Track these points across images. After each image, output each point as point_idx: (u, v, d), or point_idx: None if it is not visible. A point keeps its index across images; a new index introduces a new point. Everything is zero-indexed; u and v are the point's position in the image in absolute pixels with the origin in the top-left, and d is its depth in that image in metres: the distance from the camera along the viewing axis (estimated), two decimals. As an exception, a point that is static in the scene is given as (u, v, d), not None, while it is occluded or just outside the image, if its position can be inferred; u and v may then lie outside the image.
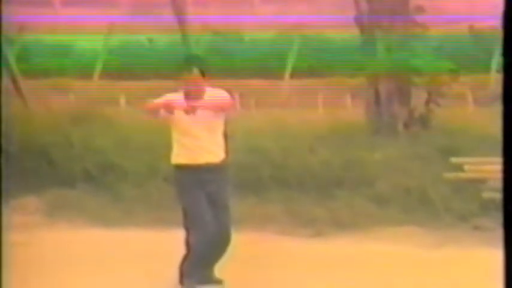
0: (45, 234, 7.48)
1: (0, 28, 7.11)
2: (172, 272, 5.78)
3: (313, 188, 8.06)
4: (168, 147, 5.76)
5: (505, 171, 2.77)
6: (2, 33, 7.24)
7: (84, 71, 12.17)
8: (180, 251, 5.75)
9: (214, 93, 5.60)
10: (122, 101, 11.13)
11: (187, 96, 5.55)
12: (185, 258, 5.71)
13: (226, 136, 5.70)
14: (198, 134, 5.54)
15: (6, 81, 9.20)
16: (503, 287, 2.74)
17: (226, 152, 5.67)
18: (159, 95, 5.84)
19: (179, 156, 5.60)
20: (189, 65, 5.56)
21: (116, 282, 6.15)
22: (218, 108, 5.55)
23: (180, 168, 5.59)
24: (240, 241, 5.79)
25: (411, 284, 6.02)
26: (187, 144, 5.56)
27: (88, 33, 12.44)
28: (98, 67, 12.40)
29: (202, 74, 5.56)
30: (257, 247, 6.79)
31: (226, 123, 5.68)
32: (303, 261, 6.62)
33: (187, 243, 5.69)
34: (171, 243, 6.16)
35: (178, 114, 5.53)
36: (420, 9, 9.42)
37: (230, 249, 5.71)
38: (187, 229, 5.68)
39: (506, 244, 2.72)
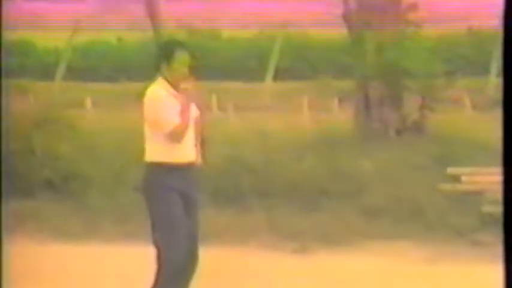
0: (1, 249, 7.41)
1: (0, 27, 7.07)
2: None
3: (298, 199, 8.09)
4: (137, 154, 5.72)
5: (505, 181, 2.79)
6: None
7: (46, 71, 12.14)
8: (151, 268, 5.72)
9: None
10: (88, 103, 11.10)
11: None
12: (155, 280, 5.66)
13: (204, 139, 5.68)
14: (189, 131, 5.52)
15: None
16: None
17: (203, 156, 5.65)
18: (127, 98, 5.79)
19: (167, 154, 5.48)
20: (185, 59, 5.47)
21: (80, 302, 6.11)
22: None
23: (163, 167, 5.48)
24: (218, 256, 5.78)
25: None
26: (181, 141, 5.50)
27: (51, 30, 12.41)
28: (61, 67, 12.37)
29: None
30: (237, 262, 6.79)
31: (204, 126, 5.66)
32: (286, 278, 6.63)
33: (158, 259, 5.64)
34: (140, 259, 6.12)
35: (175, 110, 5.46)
36: (414, 7, 9.47)
37: (207, 265, 5.68)
38: (156, 243, 5.62)
39: (506, 257, 2.73)
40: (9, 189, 8.44)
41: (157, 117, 5.41)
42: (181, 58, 5.46)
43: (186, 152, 5.48)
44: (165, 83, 5.49)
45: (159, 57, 5.50)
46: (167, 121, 5.40)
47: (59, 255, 7.28)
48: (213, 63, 12.07)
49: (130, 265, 6.69)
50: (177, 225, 5.40)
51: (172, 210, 5.41)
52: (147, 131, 5.53)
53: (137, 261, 6.48)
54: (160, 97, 5.46)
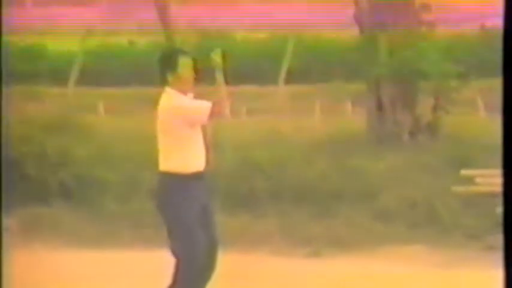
0: (17, 256, 7.49)
1: (0, 29, 7.13)
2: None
3: (310, 203, 8.10)
4: (152, 158, 5.77)
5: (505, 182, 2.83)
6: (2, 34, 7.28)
7: (59, 76, 12.21)
8: (167, 273, 5.77)
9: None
10: (101, 108, 11.17)
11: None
12: (172, 282, 5.71)
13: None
14: (201, 138, 5.56)
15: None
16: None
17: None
18: (141, 102, 5.83)
19: (181, 163, 5.51)
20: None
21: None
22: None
23: (178, 176, 5.52)
24: (230, 262, 5.81)
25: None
26: (195, 150, 5.54)
27: (63, 35, 12.48)
28: (74, 72, 12.44)
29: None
30: (249, 269, 6.81)
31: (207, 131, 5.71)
32: (299, 283, 6.64)
33: (176, 267, 5.69)
34: (156, 264, 6.18)
35: None
36: (426, 7, 9.49)
37: (219, 271, 5.73)
38: (173, 252, 5.67)
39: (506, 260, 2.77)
40: (24, 195, 8.52)
41: (190, 109, 5.40)
42: (185, 63, 5.52)
43: (198, 160, 5.52)
44: (174, 91, 5.54)
45: (163, 67, 5.55)
46: (201, 106, 5.42)
47: (75, 262, 7.31)
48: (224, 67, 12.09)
49: (146, 270, 6.73)
50: (193, 234, 5.44)
51: (189, 219, 5.46)
52: (162, 140, 5.57)
53: (153, 266, 6.54)
54: (178, 96, 5.51)
